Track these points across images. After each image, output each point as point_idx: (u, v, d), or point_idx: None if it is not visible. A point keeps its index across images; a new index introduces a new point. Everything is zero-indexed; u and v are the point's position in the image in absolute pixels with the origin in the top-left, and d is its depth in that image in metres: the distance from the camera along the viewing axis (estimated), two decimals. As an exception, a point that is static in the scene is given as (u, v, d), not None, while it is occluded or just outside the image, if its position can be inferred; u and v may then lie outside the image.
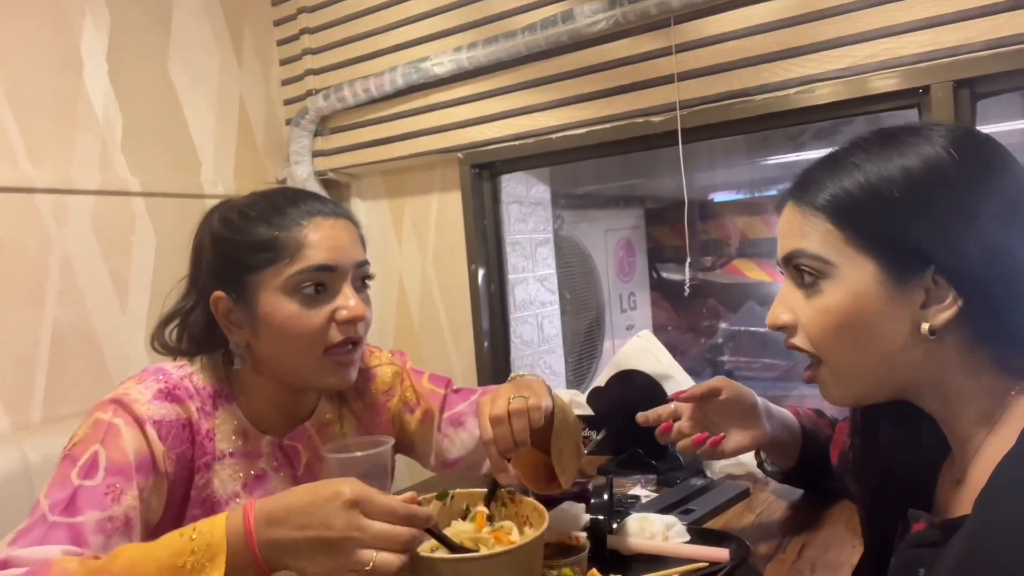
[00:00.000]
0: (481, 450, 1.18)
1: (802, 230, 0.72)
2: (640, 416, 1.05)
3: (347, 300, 0.99)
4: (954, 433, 0.74)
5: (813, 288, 0.72)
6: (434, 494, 0.94)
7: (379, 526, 0.71)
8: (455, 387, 1.26)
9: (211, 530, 0.72)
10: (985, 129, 1.49)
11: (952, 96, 1.23)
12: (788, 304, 0.75)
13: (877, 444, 0.82)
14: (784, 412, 1.09)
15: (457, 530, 0.87)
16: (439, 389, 1.24)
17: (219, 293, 1.01)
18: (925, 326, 0.67)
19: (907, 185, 0.67)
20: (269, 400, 1.06)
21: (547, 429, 1.03)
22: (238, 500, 1.03)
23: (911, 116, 1.31)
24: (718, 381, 1.03)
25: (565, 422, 1.07)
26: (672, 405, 1.04)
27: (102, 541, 0.84)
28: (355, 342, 1.01)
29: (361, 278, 1.04)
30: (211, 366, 1.06)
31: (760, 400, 1.05)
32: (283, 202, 1.03)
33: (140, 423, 0.94)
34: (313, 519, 0.71)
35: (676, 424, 1.02)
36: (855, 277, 0.69)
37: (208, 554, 0.70)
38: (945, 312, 0.67)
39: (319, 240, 0.98)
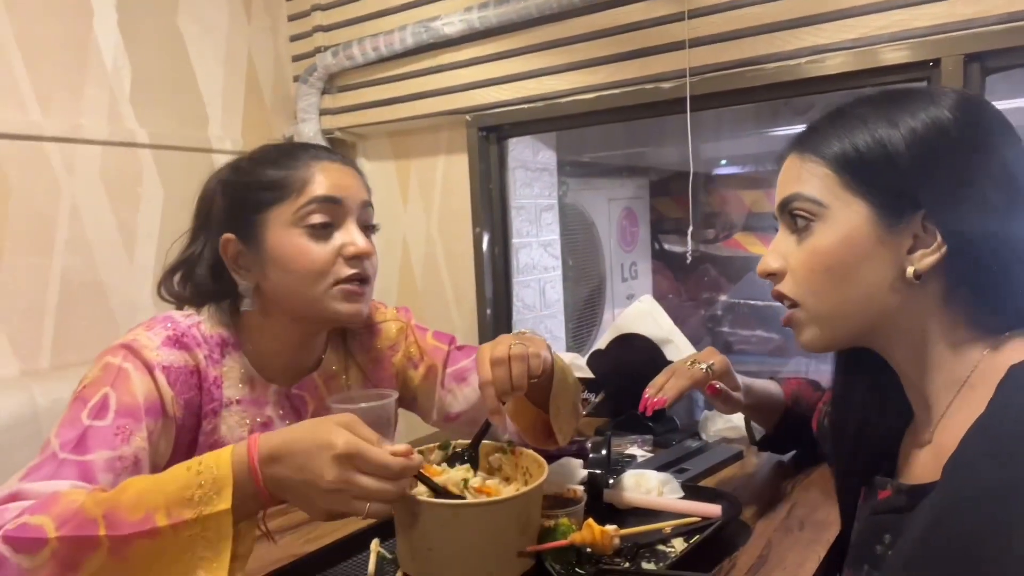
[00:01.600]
0: (483, 405, 1.21)
1: (800, 176, 0.74)
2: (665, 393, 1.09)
3: (353, 236, 1.02)
4: (921, 394, 0.75)
5: (806, 231, 0.73)
6: (437, 444, 0.96)
7: (369, 483, 0.72)
8: (458, 344, 1.28)
9: (217, 464, 0.74)
10: (1001, 105, 1.50)
11: (962, 70, 1.23)
12: (779, 251, 0.76)
13: (849, 411, 0.84)
14: (763, 385, 1.14)
15: (446, 478, 0.88)
16: (443, 345, 1.26)
17: (228, 236, 1.04)
18: (910, 270, 0.69)
19: (911, 141, 0.69)
20: (277, 345, 1.08)
21: (546, 388, 1.06)
22: None
23: (920, 89, 1.31)
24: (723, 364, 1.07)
25: (564, 382, 1.10)
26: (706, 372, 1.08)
27: (111, 479, 0.87)
28: (363, 279, 1.04)
29: (366, 223, 1.07)
30: (218, 315, 1.08)
31: (741, 381, 1.10)
32: (292, 148, 1.08)
33: (150, 368, 0.96)
34: (309, 464, 0.73)
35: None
36: (847, 219, 0.71)
37: (215, 487, 0.72)
38: (930, 257, 0.68)
39: (325, 177, 1.03)
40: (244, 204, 1.04)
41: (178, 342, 1.01)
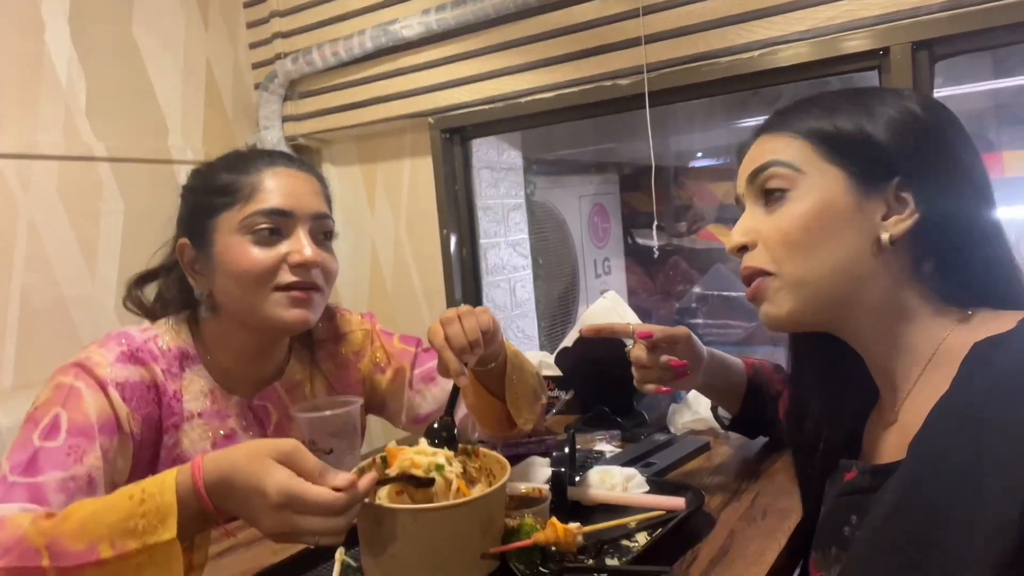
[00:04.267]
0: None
1: (773, 148, 0.75)
2: (588, 329, 1.07)
3: (300, 245, 1.01)
4: (887, 374, 0.76)
5: (780, 201, 0.74)
6: (381, 455, 0.93)
7: (311, 523, 0.69)
8: (425, 346, 1.28)
9: (160, 491, 0.72)
10: (948, 91, 1.53)
11: (911, 58, 1.25)
12: (747, 226, 0.76)
13: (810, 396, 0.85)
14: (731, 363, 1.12)
15: (408, 464, 0.84)
16: (409, 348, 1.26)
17: (183, 240, 1.05)
18: (885, 236, 0.71)
19: (885, 122, 0.72)
20: (236, 355, 1.08)
21: (502, 374, 1.08)
22: None
23: (872, 78, 1.33)
24: (680, 331, 1.05)
25: (519, 368, 1.12)
26: (629, 326, 1.05)
27: (64, 500, 0.85)
28: (311, 287, 1.03)
29: (323, 232, 1.07)
30: (177, 328, 1.07)
31: (707, 353, 1.08)
32: (251, 153, 1.08)
33: (103, 385, 0.95)
34: (248, 505, 0.71)
35: (634, 353, 1.03)
36: (824, 185, 0.72)
37: (159, 516, 0.70)
38: (903, 223, 0.70)
39: (276, 185, 1.02)
40: (198, 209, 1.04)
41: (133, 357, 1.00)
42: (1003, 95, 2.09)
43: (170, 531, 0.70)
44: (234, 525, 0.77)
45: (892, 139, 0.72)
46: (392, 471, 0.82)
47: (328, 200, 1.11)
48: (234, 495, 0.71)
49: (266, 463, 0.69)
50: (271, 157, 1.07)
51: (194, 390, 1.05)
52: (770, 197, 0.75)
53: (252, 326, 1.05)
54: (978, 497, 0.57)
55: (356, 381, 1.23)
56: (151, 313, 1.10)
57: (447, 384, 1.22)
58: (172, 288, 1.09)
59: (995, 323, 0.68)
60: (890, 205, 0.72)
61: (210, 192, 1.04)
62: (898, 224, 0.71)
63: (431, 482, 0.82)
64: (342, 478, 0.71)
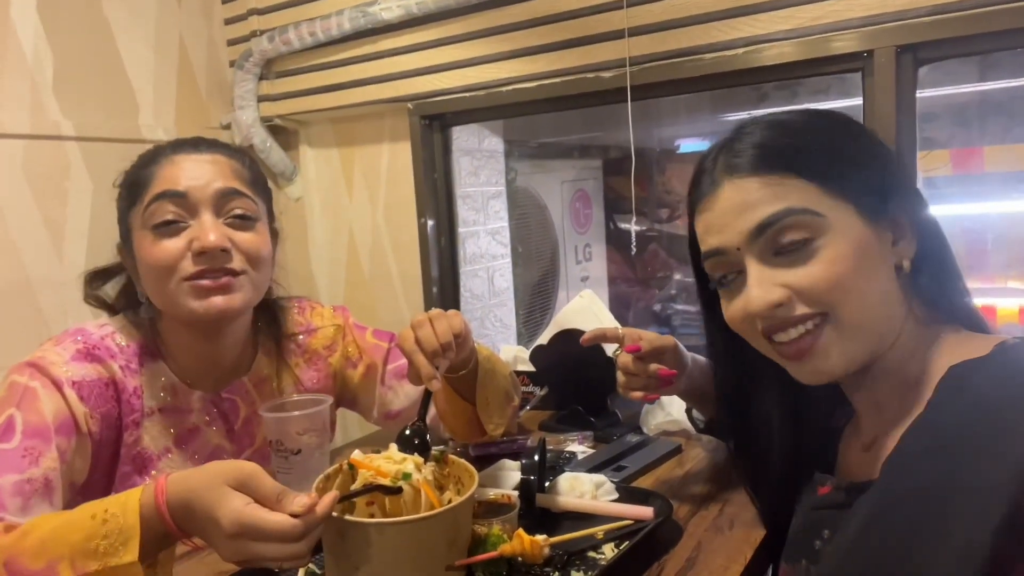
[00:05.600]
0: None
1: (773, 194, 0.69)
2: (588, 338, 1.06)
3: (203, 230, 0.96)
4: (870, 398, 0.76)
5: (806, 249, 0.68)
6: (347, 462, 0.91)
7: (269, 551, 0.67)
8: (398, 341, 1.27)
9: (123, 512, 0.71)
10: (931, 93, 1.52)
11: (895, 61, 1.24)
12: (772, 281, 0.70)
13: (762, 429, 0.85)
14: (710, 368, 1.11)
15: (380, 463, 0.84)
16: (382, 343, 1.24)
17: (119, 244, 1.04)
18: (906, 262, 0.70)
19: (839, 127, 0.72)
20: (190, 352, 1.06)
21: (473, 379, 1.06)
22: (169, 456, 1.03)
23: (854, 80, 1.31)
24: (668, 340, 1.04)
25: (491, 372, 1.10)
26: (620, 330, 1.04)
27: (20, 503, 0.84)
28: (219, 272, 0.97)
29: (238, 212, 1.00)
30: (136, 324, 1.05)
31: (689, 358, 1.07)
32: (163, 146, 1.03)
33: (58, 385, 0.93)
34: (206, 533, 0.70)
35: (621, 360, 1.02)
36: (847, 224, 0.68)
37: (121, 537, 0.69)
38: (912, 245, 0.71)
39: (169, 171, 0.98)
40: (120, 210, 1.02)
41: (89, 355, 0.98)
42: (986, 91, 2.09)
43: (132, 553, 0.69)
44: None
45: (873, 161, 0.71)
46: (356, 485, 0.81)
47: (248, 178, 1.03)
48: (194, 519, 0.70)
49: (221, 491, 0.68)
50: (177, 145, 1.02)
51: (154, 386, 1.04)
52: (788, 249, 0.69)
53: (181, 321, 1.02)
54: (949, 519, 0.58)
55: (326, 376, 1.22)
56: (112, 310, 1.08)
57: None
58: (127, 286, 1.08)
59: (971, 345, 0.68)
60: (895, 229, 0.71)
61: (125, 190, 1.01)
62: (909, 246, 0.71)
63: (399, 490, 0.81)
64: (299, 503, 0.69)
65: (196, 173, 0.98)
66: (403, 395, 1.23)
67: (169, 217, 0.96)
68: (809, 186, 0.69)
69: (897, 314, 0.71)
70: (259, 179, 1.06)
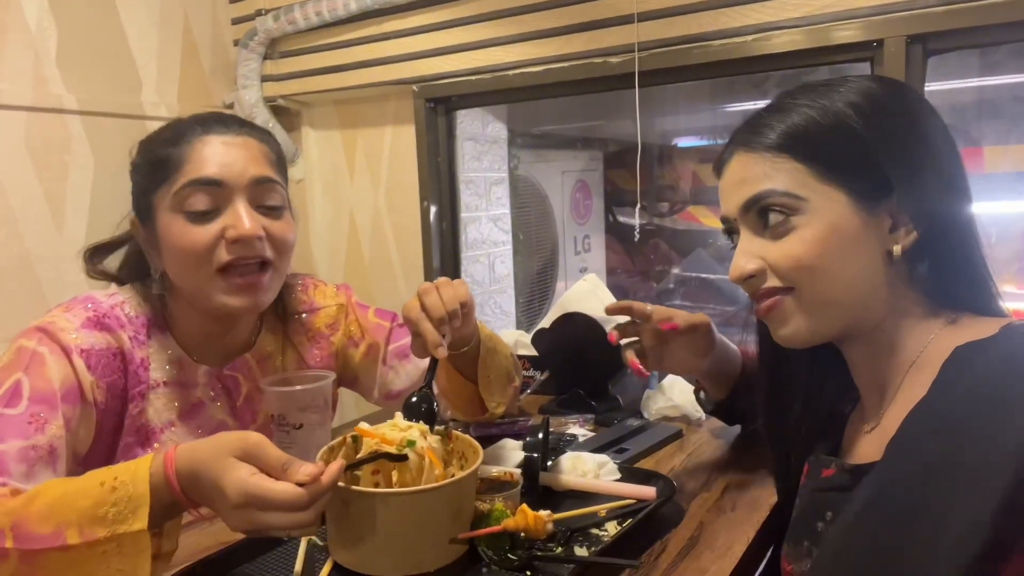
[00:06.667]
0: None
1: (764, 173, 0.72)
2: (614, 306, 1.05)
3: (238, 218, 0.95)
4: (872, 379, 0.76)
5: (784, 227, 0.71)
6: (352, 434, 0.89)
7: (276, 519, 0.67)
8: (400, 321, 1.27)
9: (133, 480, 0.70)
10: (937, 86, 1.52)
11: (904, 51, 1.24)
12: (752, 252, 0.74)
13: (788, 391, 0.86)
14: (732, 351, 1.11)
15: (385, 431, 0.84)
16: (385, 323, 1.24)
17: (134, 218, 1.01)
18: (897, 248, 0.70)
19: (859, 114, 0.70)
20: (199, 329, 1.05)
21: (475, 357, 1.07)
22: (173, 429, 1.03)
23: (863, 70, 1.31)
24: (702, 319, 1.04)
25: (492, 351, 1.10)
26: (648, 307, 1.03)
27: (24, 469, 0.83)
28: (257, 262, 0.97)
29: (268, 200, 0.99)
30: (144, 295, 1.04)
31: (718, 339, 1.07)
32: (186, 123, 1.00)
33: (67, 352, 0.92)
34: (214, 504, 0.70)
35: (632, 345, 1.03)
36: (828, 208, 0.70)
37: (131, 505, 0.69)
38: (911, 234, 0.70)
39: (206, 155, 0.96)
40: (140, 185, 1.00)
41: (99, 323, 0.97)
42: (986, 90, 2.09)
43: (141, 521, 0.69)
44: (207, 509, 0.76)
45: (877, 140, 0.70)
46: (362, 454, 0.81)
47: (276, 164, 1.03)
48: (201, 489, 0.70)
49: (227, 462, 0.68)
50: (205, 124, 0.99)
51: (160, 359, 1.03)
52: (771, 224, 0.72)
53: (202, 308, 1.02)
54: (950, 498, 0.58)
55: (328, 354, 1.21)
56: (117, 281, 1.07)
57: (421, 362, 1.21)
58: (133, 258, 1.06)
59: (978, 327, 0.69)
60: (894, 216, 0.71)
61: (148, 166, 0.99)
62: (907, 235, 0.70)
63: (404, 458, 0.81)
64: (304, 472, 0.68)
65: (229, 158, 0.96)
66: (404, 375, 1.22)
67: (204, 206, 0.94)
68: (799, 167, 0.71)
69: (879, 296, 0.72)
70: (282, 160, 1.06)
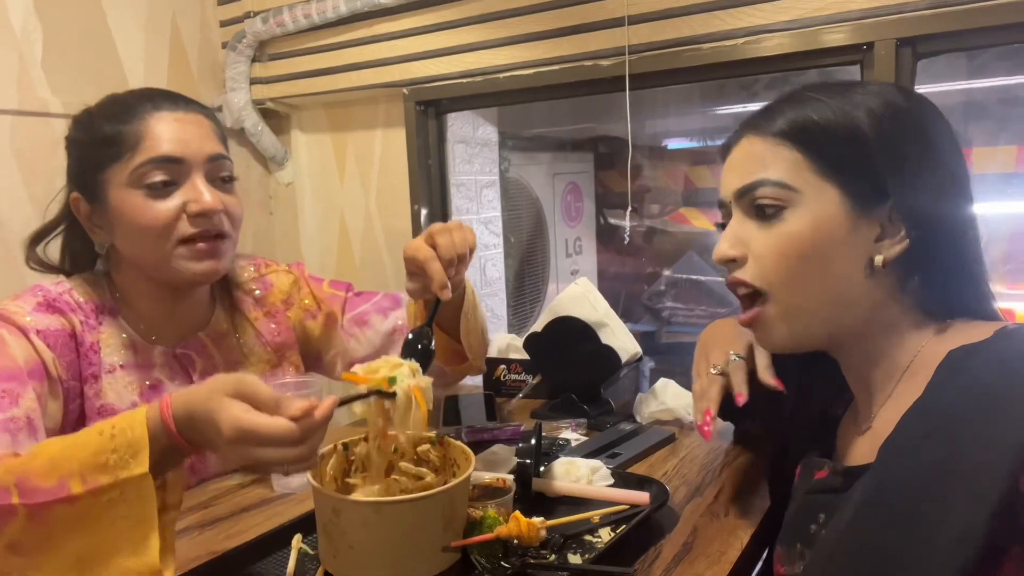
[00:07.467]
0: (389, 343, 1.22)
1: (764, 160, 0.72)
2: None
3: (199, 193, 0.98)
4: (865, 383, 0.76)
5: (774, 218, 0.71)
6: (343, 442, 0.89)
7: (272, 454, 0.68)
8: (356, 291, 1.29)
9: (131, 426, 0.70)
10: (926, 89, 1.53)
11: (894, 54, 1.24)
12: (738, 237, 0.74)
13: (778, 391, 0.86)
14: None
15: (379, 364, 0.83)
16: (339, 292, 1.27)
17: (76, 195, 1.02)
18: (879, 258, 0.69)
19: (871, 119, 0.70)
20: (150, 308, 1.06)
21: (457, 307, 1.10)
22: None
23: (854, 72, 1.32)
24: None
25: (474, 305, 1.15)
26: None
27: (8, 439, 0.84)
28: (216, 235, 1.01)
29: (221, 175, 1.03)
30: (92, 281, 1.06)
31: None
32: (131, 99, 1.02)
33: (24, 332, 0.94)
34: (212, 441, 0.70)
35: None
36: (820, 204, 0.70)
37: (131, 450, 0.69)
38: (897, 246, 0.69)
39: (162, 132, 0.98)
40: (85, 162, 1.00)
41: (50, 307, 0.99)
42: (974, 92, 2.11)
43: (142, 464, 0.68)
44: (195, 516, 0.75)
45: (883, 148, 0.69)
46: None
47: (223, 139, 1.07)
48: (197, 430, 0.70)
49: (221, 400, 0.68)
50: (153, 100, 1.01)
51: (113, 344, 1.04)
52: (763, 211, 0.72)
53: (160, 279, 1.03)
54: (945, 501, 0.58)
55: (287, 328, 1.22)
56: (61, 272, 1.08)
57: (381, 326, 1.23)
58: (75, 242, 1.07)
59: (971, 332, 0.68)
60: (884, 226, 0.70)
61: (95, 144, 0.99)
62: (893, 247, 0.70)
63: (394, 395, 0.81)
64: (297, 406, 0.68)
65: (187, 135, 0.99)
66: (366, 342, 1.24)
67: (166, 178, 0.97)
68: (799, 158, 0.71)
69: (860, 305, 0.71)
70: (225, 136, 1.09)
